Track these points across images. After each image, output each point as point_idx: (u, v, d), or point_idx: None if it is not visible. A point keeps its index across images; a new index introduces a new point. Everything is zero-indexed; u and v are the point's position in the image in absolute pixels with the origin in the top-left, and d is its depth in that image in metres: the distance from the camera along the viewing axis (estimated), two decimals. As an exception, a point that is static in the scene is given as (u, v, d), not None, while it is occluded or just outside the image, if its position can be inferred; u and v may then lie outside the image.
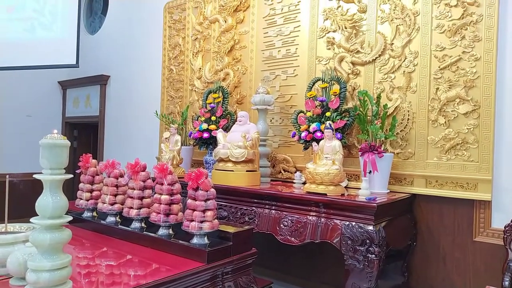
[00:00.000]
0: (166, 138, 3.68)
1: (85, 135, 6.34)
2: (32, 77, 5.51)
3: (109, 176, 2.46)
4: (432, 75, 2.75)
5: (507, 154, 2.51)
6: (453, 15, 2.68)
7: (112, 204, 2.44)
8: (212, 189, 2.05)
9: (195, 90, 4.30)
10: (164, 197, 2.13)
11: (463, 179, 2.59)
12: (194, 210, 2.02)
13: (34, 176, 1.44)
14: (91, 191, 2.57)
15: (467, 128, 2.60)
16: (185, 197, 2.07)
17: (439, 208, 2.72)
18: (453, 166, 2.64)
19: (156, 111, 4.41)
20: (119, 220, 2.40)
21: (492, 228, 2.52)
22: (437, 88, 2.72)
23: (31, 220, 1.40)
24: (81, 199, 2.66)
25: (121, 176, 2.57)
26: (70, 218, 1.43)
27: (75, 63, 3.64)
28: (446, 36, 2.70)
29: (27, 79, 5.53)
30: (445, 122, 2.68)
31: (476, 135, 2.58)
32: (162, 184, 2.18)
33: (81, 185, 2.70)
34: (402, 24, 2.88)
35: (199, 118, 3.80)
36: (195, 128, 3.80)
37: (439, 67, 2.72)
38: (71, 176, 1.51)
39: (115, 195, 2.48)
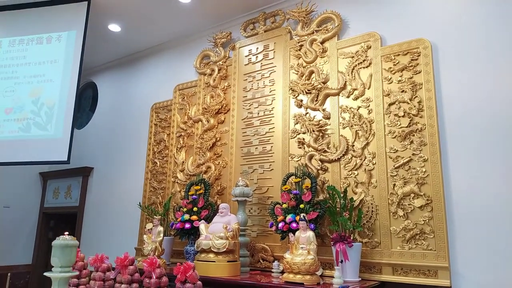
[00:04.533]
0: (148, 230, 3.83)
1: (62, 226, 6.29)
2: (14, 168, 5.66)
3: (97, 271, 2.58)
4: (388, 172, 3.19)
5: (459, 243, 2.85)
6: (402, 124, 3.23)
7: (98, 299, 2.52)
8: (199, 282, 2.23)
9: (177, 182, 4.57)
10: (152, 290, 2.27)
11: (425, 267, 2.87)
12: (181, 302, 2.17)
13: (45, 274, 1.63)
14: (77, 285, 2.65)
15: (423, 220, 2.97)
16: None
17: (407, 295, 2.94)
18: (414, 254, 2.94)
19: (139, 203, 4.59)
20: (103, 315, 2.46)
21: (455, 314, 2.74)
22: (394, 184, 3.14)
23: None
24: (67, 294, 2.71)
25: (108, 270, 2.69)
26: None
27: (66, 159, 3.90)
28: (398, 141, 3.21)
29: (9, 170, 5.67)
30: (404, 214, 3.05)
31: (431, 226, 2.93)
32: (150, 277, 2.33)
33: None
34: (360, 130, 3.40)
35: (181, 208, 4.01)
36: (177, 218, 3.98)
37: (394, 166, 3.18)
38: (76, 273, 1.70)
39: (102, 290, 2.57)
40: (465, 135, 2.99)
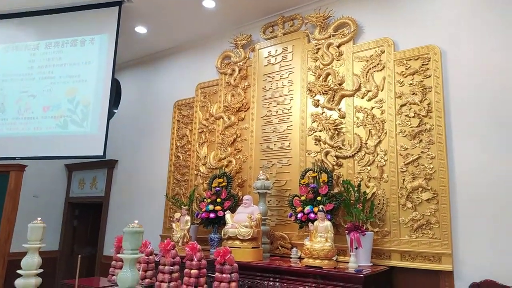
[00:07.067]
0: (176, 218, 4.19)
1: (86, 214, 6.70)
2: (42, 161, 6.04)
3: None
4: (399, 168, 3.50)
5: (461, 232, 3.17)
6: (412, 124, 3.52)
7: (143, 279, 2.88)
8: (235, 264, 2.56)
9: (200, 175, 4.92)
10: (194, 271, 2.62)
11: (430, 254, 3.20)
12: (221, 282, 2.51)
13: (118, 255, 1.98)
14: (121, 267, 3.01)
15: (429, 212, 3.28)
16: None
17: (413, 278, 3.27)
18: (421, 242, 3.27)
19: (166, 194, 4.95)
20: (148, 293, 2.81)
21: (456, 295, 3.08)
22: (404, 179, 3.45)
23: (112, 289, 1.90)
24: (113, 275, 3.09)
25: (151, 254, 3.05)
26: (140, 287, 1.93)
27: (102, 154, 4.26)
28: (408, 139, 3.51)
29: (38, 162, 6.05)
30: (412, 206, 3.37)
31: (437, 217, 3.25)
32: (192, 260, 2.68)
33: (113, 262, 3.15)
34: (373, 129, 3.70)
35: (205, 199, 4.36)
36: (201, 209, 4.33)
37: (404, 162, 3.48)
38: (142, 255, 2.05)
39: (146, 271, 2.94)
40: (470, 135, 3.28)
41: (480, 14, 3.44)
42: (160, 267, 2.80)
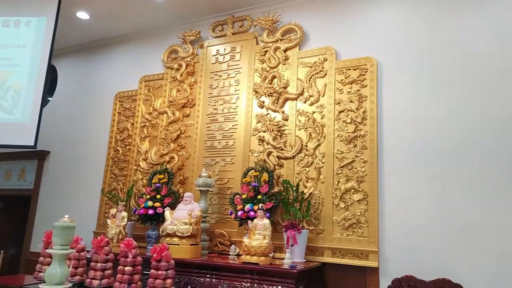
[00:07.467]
0: (112, 215, 4.05)
1: (13, 208, 6.19)
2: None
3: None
4: (335, 171, 3.71)
5: (388, 232, 3.45)
6: (348, 129, 3.75)
7: (73, 276, 2.77)
8: (172, 261, 2.56)
9: (140, 170, 4.79)
10: (128, 268, 2.57)
11: (359, 251, 3.44)
12: (156, 278, 2.50)
13: (47, 251, 1.89)
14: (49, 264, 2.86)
15: (360, 212, 3.53)
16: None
17: (343, 274, 3.49)
18: (351, 240, 3.50)
19: (102, 189, 4.74)
20: (77, 291, 2.70)
21: (380, 289, 3.34)
22: (338, 181, 3.67)
23: (40, 286, 1.81)
24: (40, 271, 2.92)
25: (83, 250, 2.93)
26: (69, 284, 1.87)
27: (33, 144, 3.97)
28: (344, 144, 3.74)
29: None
30: (345, 206, 3.59)
31: (366, 217, 3.50)
32: (126, 257, 2.62)
33: (41, 259, 2.98)
34: (313, 132, 3.89)
35: (144, 195, 4.25)
36: (139, 205, 4.22)
37: (339, 165, 3.70)
38: (73, 251, 1.98)
39: (76, 268, 2.82)
40: (399, 142, 3.58)
41: (414, 29, 3.76)
42: (92, 264, 2.71)
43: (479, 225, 3.15)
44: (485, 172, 3.22)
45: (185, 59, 4.81)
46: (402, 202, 3.45)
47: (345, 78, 3.88)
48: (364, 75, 3.81)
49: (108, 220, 4.02)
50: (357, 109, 3.75)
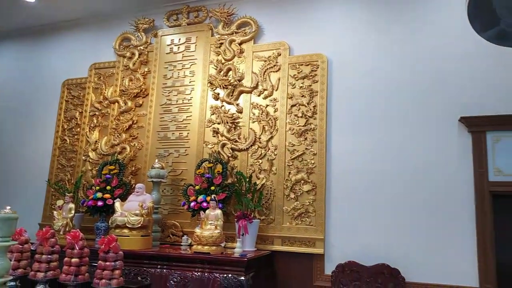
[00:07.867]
0: (59, 206, 3.91)
1: None
2: None
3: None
4: (286, 163, 3.85)
5: (333, 220, 3.64)
6: (300, 123, 3.89)
7: (15, 269, 2.65)
8: (121, 252, 2.53)
9: (89, 161, 4.63)
10: (75, 260, 2.52)
11: (306, 239, 3.61)
12: (104, 269, 2.47)
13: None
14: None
15: (308, 202, 3.69)
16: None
17: (291, 261, 3.65)
18: (299, 229, 3.66)
19: (48, 180, 4.53)
20: (19, 284, 2.60)
21: (325, 275, 3.53)
22: (289, 172, 3.81)
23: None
24: (-22, 265, 2.76)
25: (26, 242, 2.82)
26: (10, 277, 1.81)
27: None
28: (295, 137, 3.87)
29: None
30: (295, 196, 3.74)
31: (314, 206, 3.67)
32: (73, 248, 2.56)
33: (-20, 251, 2.81)
34: (266, 125, 3.99)
35: (93, 187, 4.13)
36: (88, 196, 4.10)
37: (291, 157, 3.84)
38: (15, 243, 1.92)
39: (19, 261, 2.71)
40: (345, 136, 3.77)
41: (363, 28, 3.95)
42: (37, 256, 2.61)
43: (412, 218, 3.42)
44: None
45: (138, 48, 4.69)
46: (348, 193, 3.65)
47: (298, 73, 4.00)
48: (315, 71, 3.95)
49: (55, 212, 3.87)
50: (308, 103, 3.89)
